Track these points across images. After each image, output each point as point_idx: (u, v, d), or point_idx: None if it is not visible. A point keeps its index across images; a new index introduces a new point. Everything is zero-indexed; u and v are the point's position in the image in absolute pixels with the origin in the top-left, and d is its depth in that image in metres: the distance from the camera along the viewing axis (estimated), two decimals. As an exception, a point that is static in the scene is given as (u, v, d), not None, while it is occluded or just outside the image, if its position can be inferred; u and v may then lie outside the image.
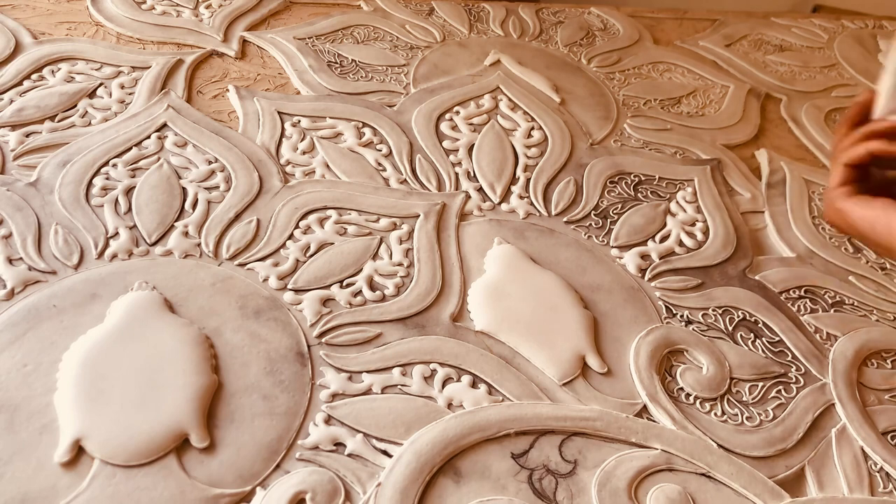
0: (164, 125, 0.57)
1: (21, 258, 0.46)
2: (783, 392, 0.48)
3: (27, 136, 0.54)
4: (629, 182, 0.62)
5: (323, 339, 0.45)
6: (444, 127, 0.64)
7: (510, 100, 0.68)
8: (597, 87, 0.73)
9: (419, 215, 0.54)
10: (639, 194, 0.61)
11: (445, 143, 0.62)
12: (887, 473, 0.44)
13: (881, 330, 0.52)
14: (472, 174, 0.59)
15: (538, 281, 0.51)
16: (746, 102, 0.74)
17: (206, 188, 0.53)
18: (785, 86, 0.79)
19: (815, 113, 0.75)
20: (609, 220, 0.57)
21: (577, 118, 0.68)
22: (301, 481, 0.38)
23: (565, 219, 0.57)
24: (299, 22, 0.74)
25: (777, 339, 0.51)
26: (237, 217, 0.51)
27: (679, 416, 0.44)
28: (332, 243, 0.51)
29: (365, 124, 0.62)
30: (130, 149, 0.55)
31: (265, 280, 0.48)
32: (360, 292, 0.48)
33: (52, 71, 0.61)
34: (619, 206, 0.59)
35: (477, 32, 0.78)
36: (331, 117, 0.62)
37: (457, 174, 0.59)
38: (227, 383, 0.42)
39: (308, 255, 0.50)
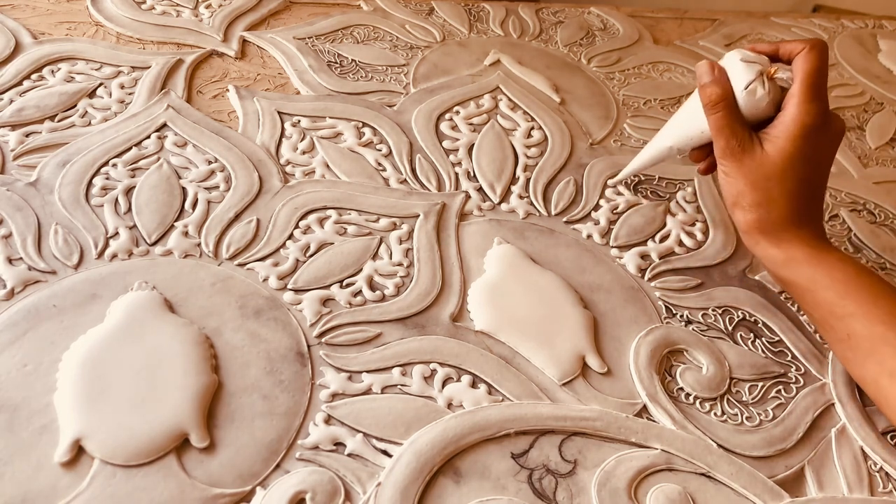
0: (164, 125, 0.57)
1: (21, 258, 0.46)
2: (783, 392, 0.48)
3: (27, 136, 0.54)
4: (629, 182, 0.62)
5: (323, 339, 0.45)
6: (444, 127, 0.64)
7: (510, 100, 0.68)
8: (597, 87, 0.73)
9: (419, 215, 0.54)
10: (638, 194, 0.61)
11: (445, 143, 0.62)
12: (887, 473, 0.44)
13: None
14: (471, 174, 0.59)
15: (538, 281, 0.51)
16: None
17: (206, 188, 0.53)
18: (785, 86, 0.79)
19: (814, 113, 0.75)
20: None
21: (576, 118, 0.68)
22: (301, 481, 0.38)
23: (565, 219, 0.57)
24: (299, 22, 0.74)
25: (777, 338, 0.51)
26: (237, 217, 0.51)
27: (679, 416, 0.44)
28: (332, 243, 0.51)
29: (365, 124, 0.62)
30: (130, 149, 0.55)
31: (265, 280, 0.48)
32: (359, 292, 0.48)
33: (52, 71, 0.61)
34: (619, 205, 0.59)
35: (477, 32, 0.78)
36: (331, 117, 0.62)
37: (457, 174, 0.59)
38: (227, 383, 0.42)
39: (308, 254, 0.50)
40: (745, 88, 0.46)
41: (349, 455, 0.40)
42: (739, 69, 0.47)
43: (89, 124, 0.57)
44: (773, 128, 0.46)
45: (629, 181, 0.61)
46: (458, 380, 0.44)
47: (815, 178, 0.47)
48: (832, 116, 0.47)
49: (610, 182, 0.60)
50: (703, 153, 0.52)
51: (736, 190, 0.47)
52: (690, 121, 0.50)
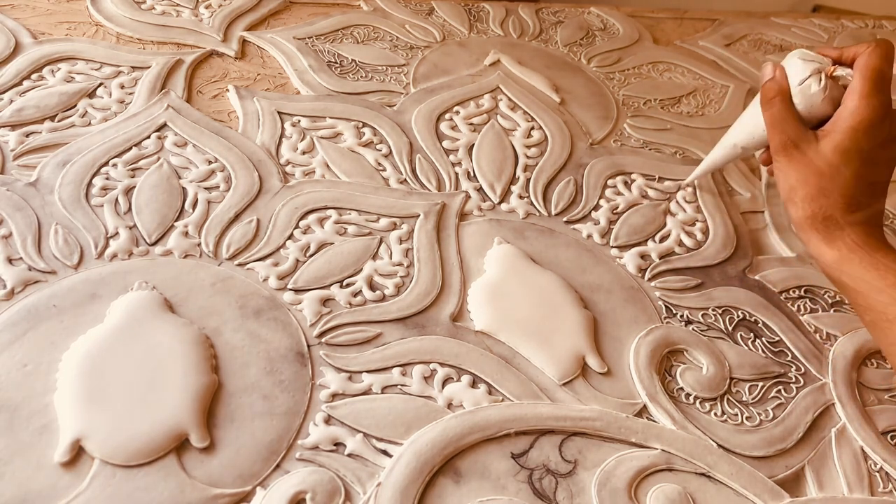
0: (164, 125, 0.57)
1: (21, 258, 0.46)
2: (783, 392, 0.48)
3: (27, 135, 0.54)
4: (628, 182, 0.62)
5: (323, 339, 0.45)
6: (444, 127, 0.64)
7: (510, 100, 0.68)
8: (596, 87, 0.73)
9: (419, 215, 0.54)
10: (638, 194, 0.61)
11: (445, 143, 0.62)
12: (887, 473, 0.44)
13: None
14: (471, 174, 0.59)
15: (538, 281, 0.51)
16: (746, 102, 0.74)
17: (205, 188, 0.53)
18: (785, 86, 0.79)
19: (814, 113, 0.75)
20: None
21: (576, 118, 0.68)
22: (301, 481, 0.38)
23: (565, 219, 0.57)
24: (299, 22, 0.74)
25: (777, 338, 0.51)
26: (237, 217, 0.51)
27: (679, 416, 0.44)
28: (332, 243, 0.51)
29: (365, 124, 0.62)
30: (130, 149, 0.55)
31: (265, 280, 0.48)
32: (359, 292, 0.48)
33: (52, 71, 0.61)
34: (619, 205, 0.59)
35: (477, 32, 0.78)
36: (330, 117, 0.62)
37: (457, 174, 0.59)
38: (226, 383, 0.42)
39: (308, 254, 0.50)
40: (800, 84, 0.47)
41: (349, 455, 0.40)
42: (798, 67, 0.48)
43: (89, 124, 0.57)
44: (831, 123, 0.46)
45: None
46: (458, 380, 0.44)
47: (872, 174, 0.46)
48: (895, 116, 0.46)
49: (682, 184, 0.61)
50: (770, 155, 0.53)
51: (788, 185, 0.47)
52: (754, 119, 0.52)
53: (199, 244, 0.49)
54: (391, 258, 0.51)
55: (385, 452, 0.40)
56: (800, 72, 0.48)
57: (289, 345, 0.44)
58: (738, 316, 0.52)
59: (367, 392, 0.43)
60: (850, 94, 0.45)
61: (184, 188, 0.53)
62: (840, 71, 0.47)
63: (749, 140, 0.53)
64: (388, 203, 0.55)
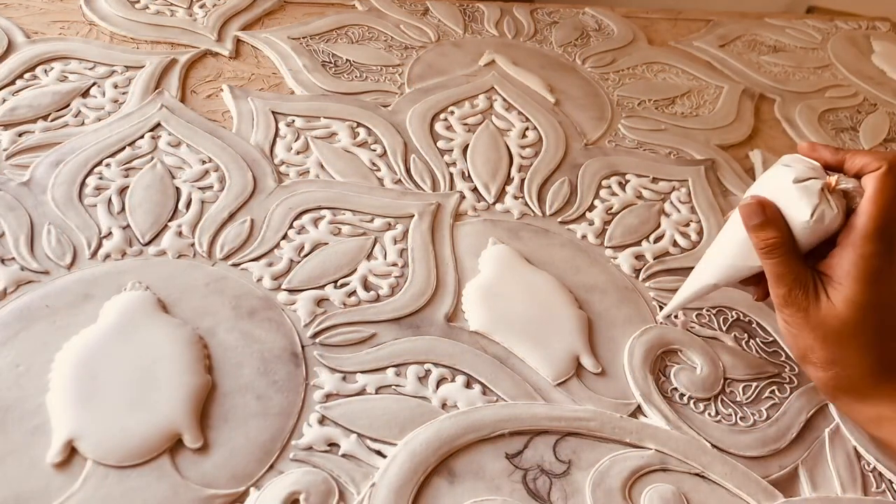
0: (158, 125, 0.57)
1: (13, 258, 0.46)
2: (777, 392, 0.48)
3: (20, 135, 0.54)
4: (623, 182, 0.62)
5: (317, 340, 0.45)
6: (439, 127, 0.64)
7: (505, 100, 0.68)
8: (591, 88, 0.73)
9: (414, 215, 0.54)
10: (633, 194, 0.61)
11: (440, 144, 0.62)
12: (880, 473, 0.44)
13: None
14: (466, 174, 0.59)
15: (533, 281, 0.51)
16: (740, 103, 0.75)
17: (199, 188, 0.53)
18: (779, 86, 0.79)
19: (808, 113, 0.75)
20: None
21: (571, 118, 0.68)
22: (295, 482, 0.38)
23: (560, 219, 0.57)
24: (294, 22, 0.74)
25: (771, 339, 0.51)
26: (231, 217, 0.51)
27: (673, 416, 0.45)
28: (327, 243, 0.51)
29: (359, 124, 0.62)
30: (124, 148, 0.54)
31: (259, 280, 0.48)
32: (354, 292, 0.48)
33: (45, 70, 0.61)
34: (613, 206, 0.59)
35: (472, 32, 0.78)
36: (325, 117, 0.62)
37: (451, 174, 0.59)
38: (220, 384, 0.42)
39: (302, 255, 0.50)
40: (812, 217, 0.40)
41: (343, 456, 0.40)
42: (795, 196, 0.40)
43: (83, 124, 0.56)
44: (835, 268, 0.40)
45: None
46: (453, 380, 0.44)
47: (894, 322, 0.41)
48: None
49: (658, 318, 0.51)
50: (754, 279, 0.46)
51: (803, 344, 0.42)
52: (737, 257, 0.44)
53: (193, 244, 0.49)
54: (386, 258, 0.51)
55: (379, 453, 0.40)
56: (802, 202, 0.40)
57: (283, 345, 0.44)
58: (732, 316, 0.52)
59: (361, 392, 0.43)
60: (856, 237, 0.39)
61: (178, 188, 0.53)
62: (844, 183, 0.40)
63: (733, 278, 0.45)
64: (382, 203, 0.55)
